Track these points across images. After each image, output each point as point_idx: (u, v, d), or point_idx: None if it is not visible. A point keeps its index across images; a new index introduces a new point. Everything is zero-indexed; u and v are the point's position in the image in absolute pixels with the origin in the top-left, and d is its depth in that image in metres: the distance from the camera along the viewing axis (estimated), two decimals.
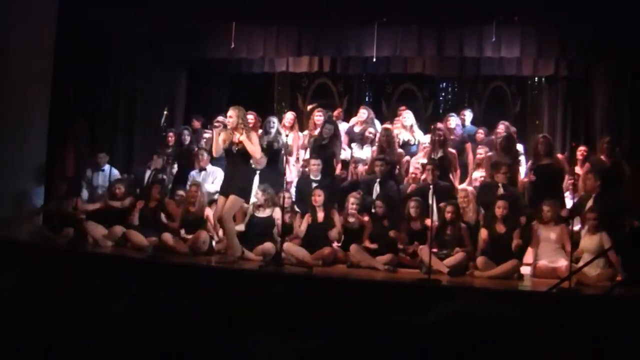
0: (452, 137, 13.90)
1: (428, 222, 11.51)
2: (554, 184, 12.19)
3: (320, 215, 12.22)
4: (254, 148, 11.34)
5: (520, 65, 15.29)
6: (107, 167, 14.60)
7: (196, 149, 14.38)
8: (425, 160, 13.16)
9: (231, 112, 11.38)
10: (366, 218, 12.08)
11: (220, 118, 12.41)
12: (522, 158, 13.38)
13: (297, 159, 14.34)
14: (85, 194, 14.29)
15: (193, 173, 13.89)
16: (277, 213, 12.21)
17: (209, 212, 12.63)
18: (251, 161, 11.94)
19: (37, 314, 3.44)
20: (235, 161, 11.45)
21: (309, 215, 12.30)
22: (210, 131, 14.11)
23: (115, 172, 14.68)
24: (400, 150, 13.79)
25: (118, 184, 13.61)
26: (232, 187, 11.32)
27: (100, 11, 14.70)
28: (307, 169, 13.70)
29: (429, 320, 2.61)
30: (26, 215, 13.20)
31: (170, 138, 14.73)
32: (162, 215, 12.71)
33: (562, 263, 10.67)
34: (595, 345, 8.02)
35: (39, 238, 12.83)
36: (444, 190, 12.46)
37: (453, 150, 13.40)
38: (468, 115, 15.16)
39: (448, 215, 11.62)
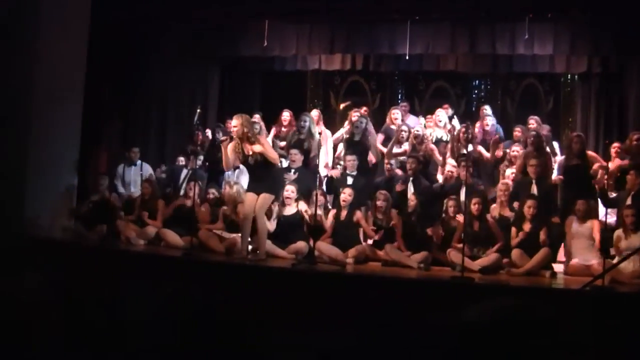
0: (486, 132, 13.93)
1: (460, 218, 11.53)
2: (587, 182, 12.13)
3: (343, 214, 12.25)
4: (274, 156, 11.42)
5: (553, 62, 15.26)
6: (139, 162, 14.64)
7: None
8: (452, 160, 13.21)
9: (235, 122, 11.31)
10: (393, 221, 12.09)
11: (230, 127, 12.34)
12: (558, 156, 13.35)
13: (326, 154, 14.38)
14: (121, 190, 14.38)
15: (228, 173, 13.90)
16: (302, 206, 12.24)
17: None
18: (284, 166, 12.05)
19: (71, 314, 3.49)
20: (255, 172, 11.47)
21: (335, 211, 12.35)
22: None
23: (147, 167, 14.72)
24: (432, 146, 13.72)
25: (145, 183, 13.65)
26: (261, 186, 11.35)
27: (133, 9, 14.80)
28: (338, 166, 13.76)
29: (465, 319, 2.63)
30: (59, 213, 13.26)
31: (199, 137, 14.74)
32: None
33: (596, 260, 10.62)
34: (629, 343, 8.01)
35: (72, 236, 12.91)
36: (476, 188, 12.46)
37: (480, 148, 13.43)
38: (488, 110, 15.04)
39: (474, 208, 11.57)
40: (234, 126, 11.25)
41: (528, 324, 2.54)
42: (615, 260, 10.36)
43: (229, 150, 11.29)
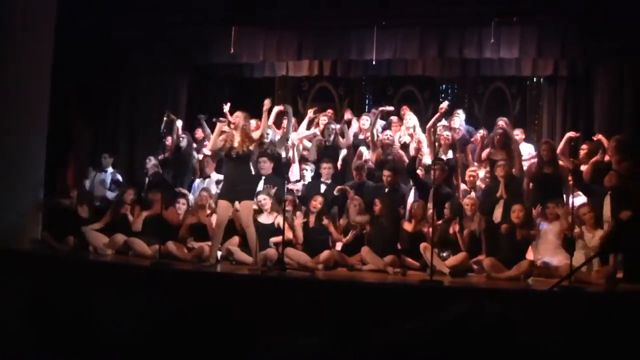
0: (457, 137, 13.99)
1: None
2: (557, 186, 12.19)
3: (312, 220, 12.29)
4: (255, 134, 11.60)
5: (519, 66, 15.32)
6: (110, 169, 14.55)
7: (201, 156, 14.44)
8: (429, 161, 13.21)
9: (239, 114, 11.51)
10: (365, 222, 12.12)
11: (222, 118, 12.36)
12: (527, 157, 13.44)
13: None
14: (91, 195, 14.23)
15: (197, 181, 13.91)
16: (280, 219, 12.21)
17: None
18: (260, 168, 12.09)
19: (41, 324, 3.48)
20: (236, 166, 11.52)
21: (302, 218, 12.37)
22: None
23: (118, 176, 14.65)
24: (401, 152, 13.74)
25: (129, 191, 13.53)
26: (241, 191, 11.42)
27: (101, 15, 14.76)
28: (304, 172, 13.77)
29: (435, 322, 2.64)
30: (28, 224, 13.15)
31: (168, 143, 14.72)
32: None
33: (562, 262, 10.68)
34: (598, 342, 8.05)
35: (40, 247, 12.82)
36: (445, 193, 12.49)
37: (457, 155, 13.44)
38: (461, 114, 15.10)
39: (446, 212, 11.68)
40: (237, 117, 11.46)
41: (492, 327, 2.56)
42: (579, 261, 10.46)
43: (219, 137, 11.48)
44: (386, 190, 12.76)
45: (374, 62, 14.76)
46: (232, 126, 11.42)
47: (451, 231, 11.67)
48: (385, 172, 12.86)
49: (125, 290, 3.88)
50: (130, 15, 15.00)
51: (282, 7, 14.61)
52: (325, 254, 11.73)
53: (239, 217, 11.77)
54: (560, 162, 12.58)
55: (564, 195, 12.10)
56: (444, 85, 17.63)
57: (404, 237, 11.99)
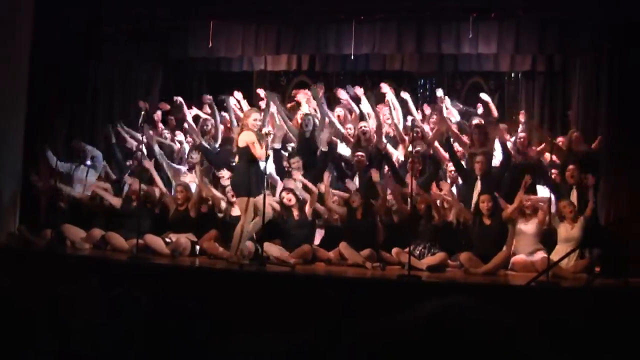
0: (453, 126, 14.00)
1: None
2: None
3: (296, 214, 12.24)
4: (259, 152, 11.34)
5: (497, 61, 15.40)
6: (88, 162, 14.43)
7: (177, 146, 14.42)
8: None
9: (256, 116, 11.36)
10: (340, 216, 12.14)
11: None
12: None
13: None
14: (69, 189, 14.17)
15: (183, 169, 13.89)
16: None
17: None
18: None
19: (15, 318, 3.46)
20: (247, 161, 11.32)
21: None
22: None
23: (99, 166, 14.56)
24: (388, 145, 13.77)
25: (102, 182, 13.48)
26: (252, 188, 11.27)
27: (79, 7, 14.70)
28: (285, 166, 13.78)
29: (410, 319, 2.64)
30: (4, 218, 13.08)
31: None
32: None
33: (539, 256, 10.72)
34: (578, 336, 8.09)
35: (17, 240, 12.75)
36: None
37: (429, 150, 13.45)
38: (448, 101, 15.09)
39: (421, 206, 11.68)
40: (258, 120, 11.34)
41: (471, 323, 2.56)
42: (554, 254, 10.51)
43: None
44: (357, 174, 12.76)
45: (352, 57, 14.75)
46: (255, 128, 11.23)
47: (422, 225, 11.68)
48: (358, 153, 12.87)
49: (100, 285, 3.86)
50: (108, 8, 14.94)
51: (260, 1, 14.60)
52: (303, 248, 11.72)
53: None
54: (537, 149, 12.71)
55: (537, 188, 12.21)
56: (422, 80, 17.63)
57: (381, 231, 12.01)
